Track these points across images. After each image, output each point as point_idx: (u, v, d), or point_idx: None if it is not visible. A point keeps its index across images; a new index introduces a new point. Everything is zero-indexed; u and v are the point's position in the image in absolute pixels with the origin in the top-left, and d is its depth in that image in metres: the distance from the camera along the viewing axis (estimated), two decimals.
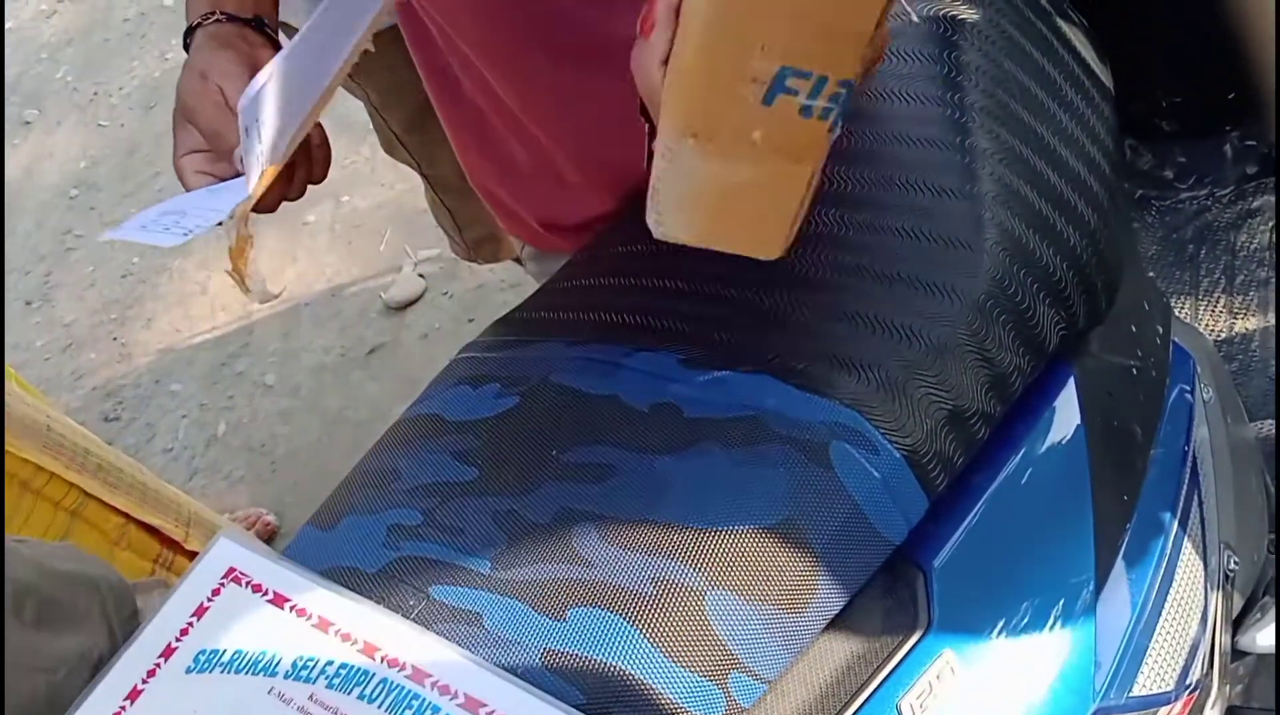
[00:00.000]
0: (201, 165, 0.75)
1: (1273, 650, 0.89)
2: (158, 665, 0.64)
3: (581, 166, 0.87)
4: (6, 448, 1.33)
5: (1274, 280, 1.20)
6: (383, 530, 0.69)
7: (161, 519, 1.63)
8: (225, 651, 0.63)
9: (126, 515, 1.58)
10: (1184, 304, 1.24)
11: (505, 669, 0.57)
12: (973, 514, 0.68)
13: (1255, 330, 1.18)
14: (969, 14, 0.80)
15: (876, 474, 0.63)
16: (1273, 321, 1.18)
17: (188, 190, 0.76)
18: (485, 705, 0.56)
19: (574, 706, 0.55)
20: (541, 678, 0.57)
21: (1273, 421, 1.11)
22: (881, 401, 0.65)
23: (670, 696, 0.57)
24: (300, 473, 2.14)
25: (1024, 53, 0.81)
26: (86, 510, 1.53)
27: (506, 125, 0.87)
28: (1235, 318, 1.20)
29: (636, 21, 0.56)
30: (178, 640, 0.65)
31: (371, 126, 1.52)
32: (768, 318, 0.72)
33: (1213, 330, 1.20)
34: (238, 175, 0.74)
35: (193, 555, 1.64)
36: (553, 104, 0.83)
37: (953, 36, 0.79)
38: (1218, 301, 1.22)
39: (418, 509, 0.69)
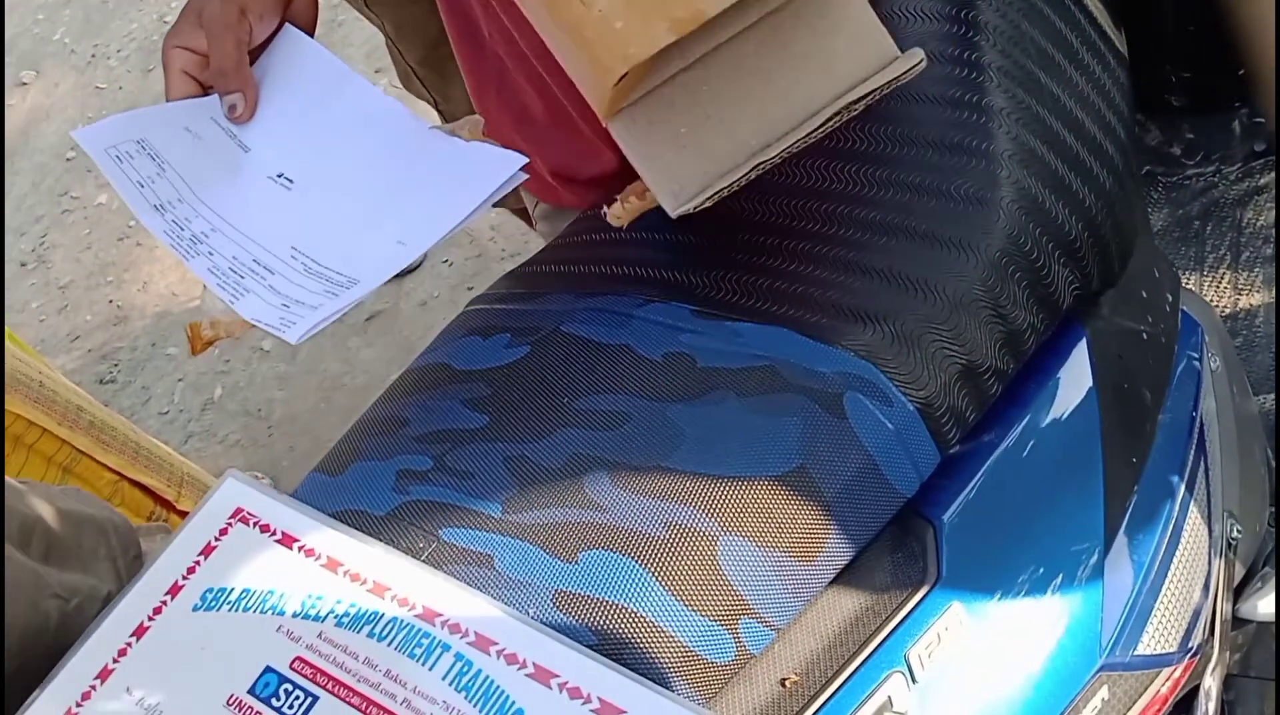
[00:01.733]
0: (191, 67, 0.71)
1: (1271, 619, 0.89)
2: (164, 603, 0.64)
3: (593, 118, 0.86)
4: None
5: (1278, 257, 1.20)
6: (392, 475, 0.69)
7: (154, 478, 1.63)
8: (233, 590, 0.63)
9: (119, 473, 1.57)
10: (1189, 280, 1.24)
11: (516, 610, 0.57)
12: (984, 470, 0.68)
13: (1260, 306, 1.18)
14: None
15: (890, 425, 0.63)
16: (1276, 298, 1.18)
17: (166, 76, 0.72)
18: (496, 644, 0.56)
19: (585, 647, 0.55)
20: (553, 619, 0.57)
21: (1275, 396, 1.12)
22: (895, 354, 0.65)
23: (681, 640, 0.56)
24: (297, 437, 2.13)
25: (1042, 15, 0.80)
26: (78, 467, 1.52)
27: (524, 74, 0.86)
28: (1240, 294, 1.20)
29: None
30: (184, 578, 0.64)
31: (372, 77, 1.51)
32: (782, 270, 0.71)
33: (1218, 306, 1.20)
34: (228, 91, 0.71)
35: (185, 515, 1.64)
36: None
37: None
38: (1223, 278, 1.22)
39: (427, 455, 0.69)
